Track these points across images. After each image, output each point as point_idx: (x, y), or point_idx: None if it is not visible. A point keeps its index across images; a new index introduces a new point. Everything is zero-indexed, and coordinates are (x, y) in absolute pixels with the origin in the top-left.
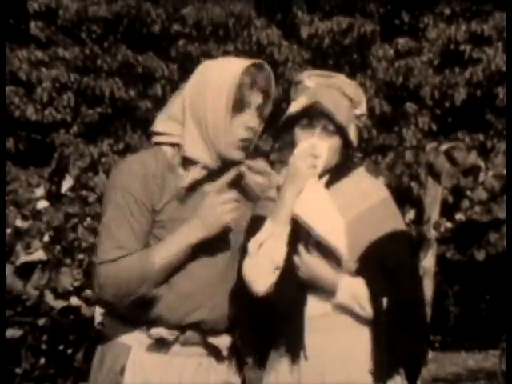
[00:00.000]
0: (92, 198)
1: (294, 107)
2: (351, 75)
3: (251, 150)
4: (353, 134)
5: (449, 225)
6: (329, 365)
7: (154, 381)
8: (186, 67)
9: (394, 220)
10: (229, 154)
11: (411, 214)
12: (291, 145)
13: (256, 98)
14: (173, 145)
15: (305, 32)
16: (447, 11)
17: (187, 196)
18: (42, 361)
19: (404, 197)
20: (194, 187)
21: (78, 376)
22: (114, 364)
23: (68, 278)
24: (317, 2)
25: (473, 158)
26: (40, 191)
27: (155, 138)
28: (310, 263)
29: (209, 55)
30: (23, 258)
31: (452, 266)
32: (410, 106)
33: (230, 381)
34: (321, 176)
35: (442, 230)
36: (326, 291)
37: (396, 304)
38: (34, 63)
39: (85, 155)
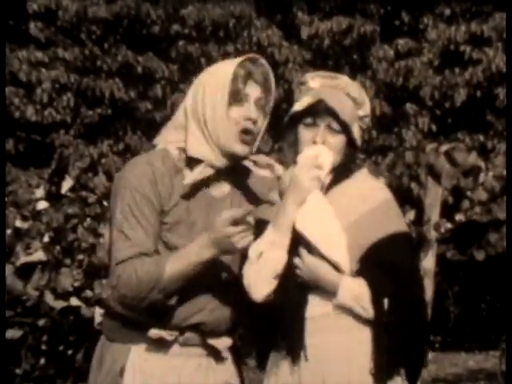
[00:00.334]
0: (92, 198)
1: (298, 106)
2: (351, 76)
3: (255, 150)
4: (357, 134)
5: (449, 225)
6: (329, 365)
7: (153, 381)
8: (187, 68)
9: (396, 221)
10: (231, 148)
11: (411, 215)
12: (293, 145)
13: (253, 91)
14: (178, 148)
15: (305, 32)
16: (447, 12)
17: (193, 198)
18: (42, 361)
19: (404, 197)
20: (199, 188)
21: (77, 376)
22: (114, 365)
23: (68, 279)
24: (317, 3)
25: (473, 158)
26: (40, 192)
27: (161, 144)
28: (311, 264)
29: (209, 56)
30: (23, 259)
31: (452, 267)
32: (410, 107)
33: (229, 381)
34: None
35: (442, 230)
36: (326, 292)
37: (397, 305)
38: (34, 64)
39: (85, 156)
